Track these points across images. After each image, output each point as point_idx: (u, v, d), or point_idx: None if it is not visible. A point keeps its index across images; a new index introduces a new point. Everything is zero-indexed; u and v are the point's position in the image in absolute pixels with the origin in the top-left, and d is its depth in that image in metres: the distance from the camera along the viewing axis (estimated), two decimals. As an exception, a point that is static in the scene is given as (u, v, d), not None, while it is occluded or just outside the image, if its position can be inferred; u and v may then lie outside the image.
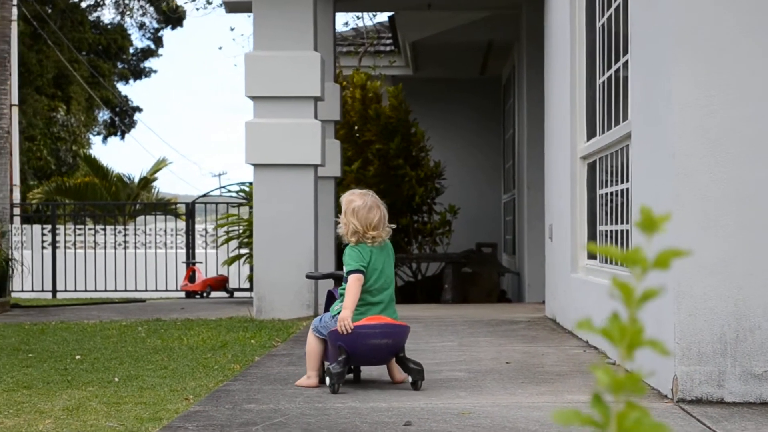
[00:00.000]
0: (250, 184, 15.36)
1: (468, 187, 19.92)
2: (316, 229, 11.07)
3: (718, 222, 5.57)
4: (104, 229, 20.78)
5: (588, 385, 6.10)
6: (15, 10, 23.44)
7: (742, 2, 5.64)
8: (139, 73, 44.04)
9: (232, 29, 40.77)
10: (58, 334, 9.50)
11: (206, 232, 20.25)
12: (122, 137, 43.95)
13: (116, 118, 43.32)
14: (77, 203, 23.78)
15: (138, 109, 44.52)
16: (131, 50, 43.27)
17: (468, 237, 18.75)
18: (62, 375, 6.85)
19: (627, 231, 7.41)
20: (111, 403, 5.71)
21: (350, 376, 6.40)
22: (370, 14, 21.66)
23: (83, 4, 41.08)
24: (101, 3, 42.28)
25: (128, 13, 41.99)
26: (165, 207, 24.60)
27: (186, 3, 43.55)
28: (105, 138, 43.96)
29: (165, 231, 20.36)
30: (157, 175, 30.34)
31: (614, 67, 7.82)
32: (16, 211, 20.58)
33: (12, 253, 13.59)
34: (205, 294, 16.84)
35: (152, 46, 43.93)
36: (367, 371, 6.58)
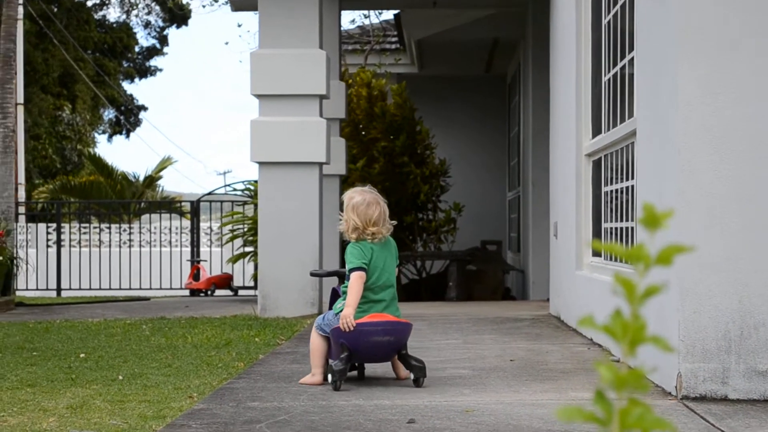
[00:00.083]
0: (255, 182, 15.37)
1: (473, 184, 19.91)
2: (321, 227, 11.07)
3: (722, 219, 5.56)
4: (109, 228, 20.80)
5: (592, 383, 6.09)
6: (21, 9, 23.46)
7: (747, 1, 5.62)
8: (145, 72, 44.10)
9: (239, 25, 40.88)
10: (63, 333, 9.50)
11: (211, 230, 20.26)
12: (127, 136, 44.03)
13: (121, 117, 43.38)
14: (82, 202, 23.82)
15: (143, 108, 44.59)
16: (137, 49, 43.33)
17: (473, 235, 18.75)
18: (66, 373, 6.85)
19: (632, 228, 7.40)
20: (115, 401, 5.71)
21: (354, 373, 6.40)
22: (376, 12, 21.65)
23: (89, 3, 41.13)
24: (107, 2, 42.32)
25: (134, 10, 42.01)
26: (170, 205, 24.61)
27: (192, 0, 43.53)
28: (110, 137, 44.03)
29: (170, 229, 20.38)
30: (162, 173, 30.40)
31: (620, 65, 7.81)
32: (22, 209, 20.61)
33: (17, 252, 13.60)
34: (209, 292, 16.85)
35: (157, 45, 43.98)
36: (371, 368, 6.58)
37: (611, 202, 8.25)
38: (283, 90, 10.91)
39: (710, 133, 5.58)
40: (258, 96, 11.01)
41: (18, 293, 14.26)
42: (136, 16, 43.41)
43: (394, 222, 6.24)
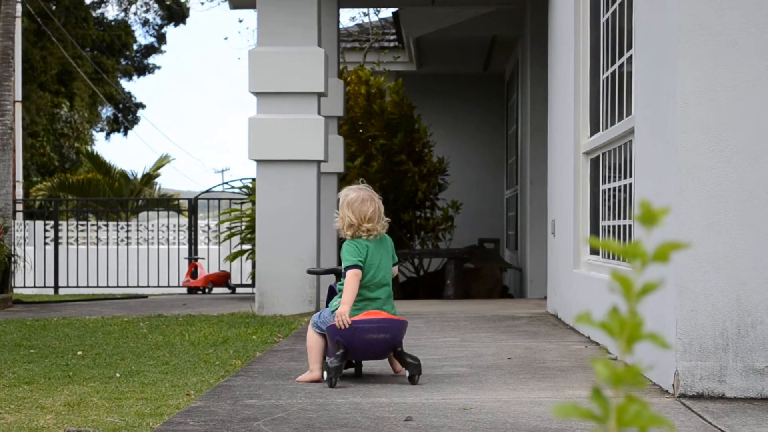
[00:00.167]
0: (253, 180, 15.36)
1: (471, 182, 19.91)
2: (319, 224, 11.07)
3: (721, 218, 5.56)
4: (107, 225, 20.79)
5: (589, 381, 6.09)
6: (19, 7, 23.45)
7: (745, -2, 5.62)
8: (143, 70, 44.10)
9: (240, 21, 40.80)
10: (60, 330, 9.50)
11: (209, 228, 20.25)
12: (125, 134, 44.04)
13: (119, 115, 43.36)
14: (80, 199, 23.81)
15: (141, 106, 44.60)
16: (135, 47, 43.31)
17: (470, 233, 18.76)
18: (64, 371, 6.84)
19: (629, 226, 7.40)
20: (112, 398, 5.71)
21: (351, 370, 6.41)
22: (375, 10, 21.64)
23: (87, 1, 41.11)
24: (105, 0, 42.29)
25: (132, 6, 41.98)
26: (168, 203, 24.61)
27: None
28: (108, 134, 44.03)
29: (167, 227, 20.37)
30: (159, 171, 30.40)
31: (618, 63, 7.81)
32: (19, 207, 20.60)
33: (14, 249, 13.59)
34: (207, 290, 16.84)
35: (156, 43, 43.97)
36: (369, 366, 6.58)
37: (609, 200, 8.25)
38: (282, 88, 10.91)
39: (709, 132, 5.58)
40: (256, 94, 11.00)
41: (15, 291, 14.25)
42: (135, 13, 43.42)
43: (388, 219, 6.26)
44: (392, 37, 19.50)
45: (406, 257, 15.76)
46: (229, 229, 16.35)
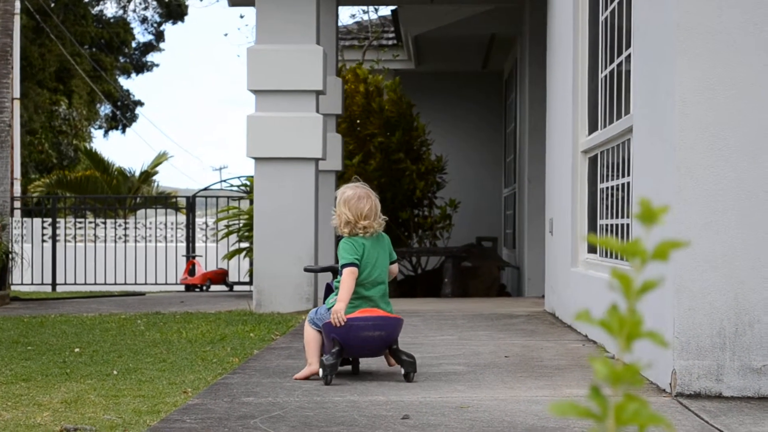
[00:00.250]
0: (251, 177, 15.35)
1: (469, 181, 19.91)
2: (317, 222, 11.07)
3: (719, 216, 5.56)
4: (104, 223, 20.77)
5: (587, 380, 6.09)
6: (18, 4, 23.42)
7: (744, -4, 5.62)
8: (141, 67, 44.07)
9: (242, 17, 40.76)
10: (58, 327, 9.49)
11: (206, 225, 20.24)
12: (123, 131, 44.01)
13: (118, 112, 43.34)
14: (78, 197, 23.80)
15: (139, 103, 44.57)
16: (133, 44, 43.29)
17: (468, 231, 18.75)
18: (61, 368, 6.84)
19: (627, 225, 7.40)
20: (109, 395, 5.70)
21: (348, 368, 6.41)
22: (374, 8, 21.62)
23: (85, -2, 41.06)
24: (103, -4, 42.26)
25: (131, 3, 41.96)
26: (165, 201, 24.59)
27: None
28: (106, 132, 44.01)
29: (165, 225, 20.35)
30: (157, 168, 30.38)
31: (617, 61, 7.80)
32: (17, 204, 20.58)
33: (12, 246, 13.58)
34: (204, 287, 16.83)
35: (154, 41, 43.95)
36: (366, 364, 6.58)
37: (607, 198, 8.25)
38: (280, 85, 10.90)
39: (707, 130, 5.58)
40: (255, 91, 11.00)
41: (13, 288, 14.24)
42: (133, 11, 43.39)
43: (385, 218, 6.28)
44: (391, 35, 19.49)
45: (403, 255, 15.76)
46: (227, 226, 16.34)
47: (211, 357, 7.24)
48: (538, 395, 5.57)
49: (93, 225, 20.60)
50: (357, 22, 21.27)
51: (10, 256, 13.20)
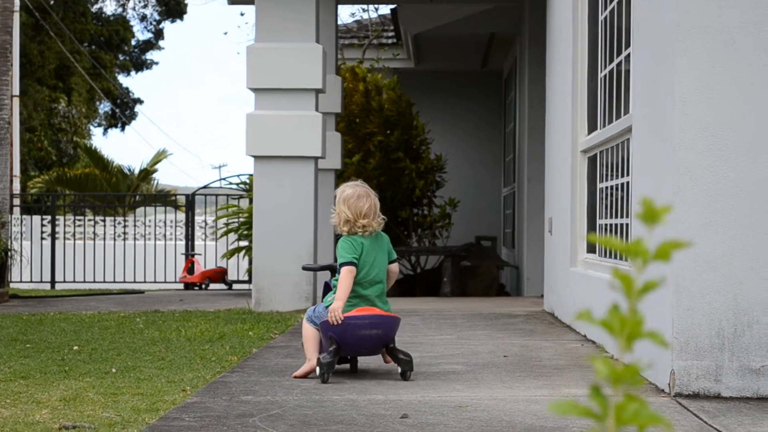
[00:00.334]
0: (251, 176, 15.35)
1: (468, 180, 19.90)
2: (316, 221, 11.07)
3: (718, 216, 5.55)
4: (104, 221, 20.76)
5: (586, 380, 6.08)
6: (17, 1, 23.41)
7: (744, -4, 5.62)
8: (141, 65, 44.06)
9: (242, 14, 40.74)
10: (56, 325, 9.49)
11: (206, 223, 20.23)
12: (123, 129, 43.99)
13: (117, 110, 43.32)
14: (77, 194, 23.78)
15: (139, 101, 44.56)
16: (133, 42, 43.28)
17: (467, 230, 18.74)
18: (60, 366, 6.83)
19: (627, 225, 7.40)
20: (108, 393, 5.70)
21: (347, 366, 6.41)
22: (374, 7, 21.62)
23: (85, -5, 41.04)
24: (103, -6, 42.24)
25: (130, 1, 41.95)
26: (165, 199, 24.59)
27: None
28: (106, 129, 44.00)
29: (164, 223, 20.35)
30: (157, 166, 30.34)
31: (616, 61, 7.80)
32: (16, 201, 20.57)
33: (11, 244, 13.58)
34: (203, 286, 16.83)
35: (153, 39, 43.94)
36: (365, 362, 6.58)
37: (606, 198, 8.25)
38: (280, 84, 10.90)
39: (706, 130, 5.57)
40: (254, 90, 11.00)
41: (12, 285, 14.24)
42: (133, 9, 43.38)
43: (384, 217, 6.28)
44: (390, 34, 19.48)
45: (403, 254, 15.76)
46: (227, 225, 16.34)
47: (210, 355, 7.24)
48: (537, 395, 5.57)
49: (92, 223, 20.59)
50: (356, 21, 21.26)
51: (9, 253, 13.20)
